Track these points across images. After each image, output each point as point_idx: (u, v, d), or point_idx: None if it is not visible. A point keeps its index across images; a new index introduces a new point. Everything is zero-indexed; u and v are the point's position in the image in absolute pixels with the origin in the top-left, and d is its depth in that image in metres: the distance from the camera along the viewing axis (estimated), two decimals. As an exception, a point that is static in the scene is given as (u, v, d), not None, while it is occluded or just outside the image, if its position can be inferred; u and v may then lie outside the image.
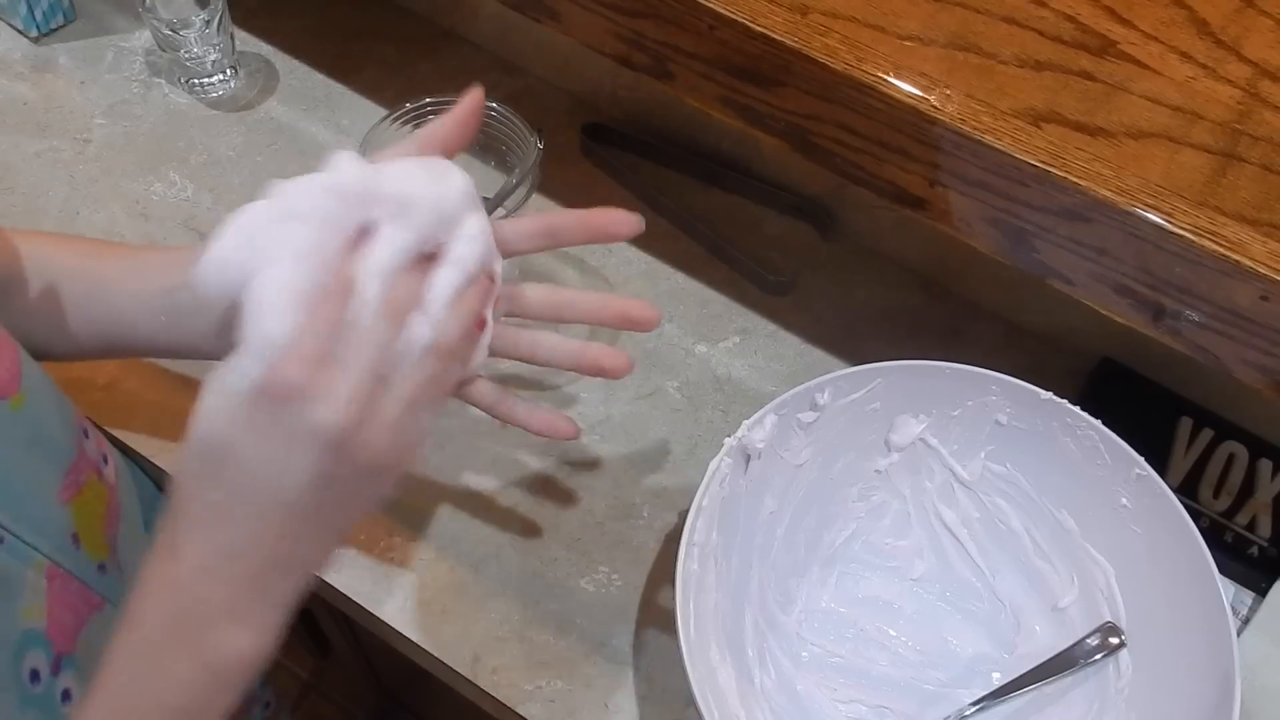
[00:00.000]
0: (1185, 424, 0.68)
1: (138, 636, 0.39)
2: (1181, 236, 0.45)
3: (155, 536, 0.39)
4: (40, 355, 0.51)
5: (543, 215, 0.51)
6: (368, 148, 0.63)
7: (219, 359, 0.39)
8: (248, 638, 0.39)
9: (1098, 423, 0.57)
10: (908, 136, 0.50)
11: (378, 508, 0.43)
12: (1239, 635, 0.59)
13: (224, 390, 0.38)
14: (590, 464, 0.66)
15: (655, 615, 0.61)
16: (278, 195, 0.41)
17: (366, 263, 0.40)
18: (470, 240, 0.44)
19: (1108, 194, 0.46)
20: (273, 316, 0.37)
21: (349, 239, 0.41)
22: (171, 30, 0.76)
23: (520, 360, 0.52)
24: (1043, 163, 0.47)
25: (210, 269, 0.39)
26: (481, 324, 0.46)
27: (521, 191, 0.63)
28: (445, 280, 0.42)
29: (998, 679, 0.60)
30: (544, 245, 0.51)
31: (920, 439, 0.62)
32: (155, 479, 0.66)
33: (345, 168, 0.43)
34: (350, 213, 0.41)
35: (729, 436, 0.56)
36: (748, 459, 0.58)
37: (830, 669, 0.61)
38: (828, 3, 0.51)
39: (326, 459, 0.38)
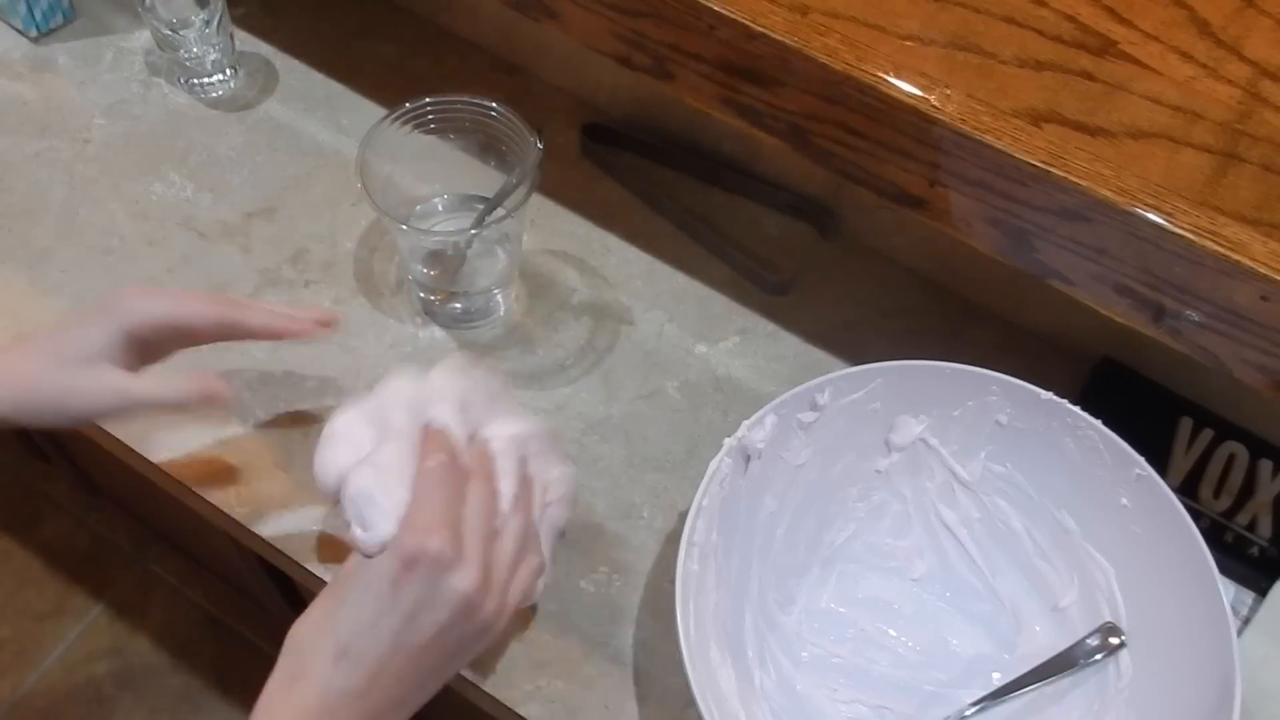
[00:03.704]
0: (1185, 424, 0.68)
1: None
2: (1181, 236, 0.45)
3: (285, 653, 0.46)
4: None
5: (231, 309, 0.56)
6: (368, 147, 0.63)
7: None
8: None
9: (1098, 423, 0.57)
10: (908, 136, 0.50)
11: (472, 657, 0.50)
12: (1239, 635, 0.59)
13: (361, 548, 0.46)
14: (590, 464, 0.66)
15: (655, 615, 0.61)
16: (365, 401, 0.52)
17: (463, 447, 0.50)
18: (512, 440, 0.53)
19: (1108, 194, 0.46)
20: (398, 487, 0.47)
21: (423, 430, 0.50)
22: (171, 30, 0.76)
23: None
24: (1043, 163, 0.47)
25: (318, 463, 0.50)
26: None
27: (521, 191, 0.63)
28: (503, 465, 0.51)
29: (998, 679, 0.60)
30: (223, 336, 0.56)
31: (920, 439, 0.62)
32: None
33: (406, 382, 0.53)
34: (419, 409, 0.51)
35: (729, 436, 0.56)
36: (748, 459, 0.58)
37: (830, 669, 0.61)
38: (828, 3, 0.51)
39: (455, 617, 0.46)
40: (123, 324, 0.52)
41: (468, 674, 0.59)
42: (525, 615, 0.61)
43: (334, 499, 0.50)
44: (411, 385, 0.51)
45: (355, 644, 0.45)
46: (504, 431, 0.51)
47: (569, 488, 0.55)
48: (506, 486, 0.50)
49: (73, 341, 0.51)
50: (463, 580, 0.45)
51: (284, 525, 0.62)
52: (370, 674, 0.44)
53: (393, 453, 0.48)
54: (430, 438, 0.49)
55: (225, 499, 0.63)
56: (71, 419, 0.52)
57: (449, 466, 0.47)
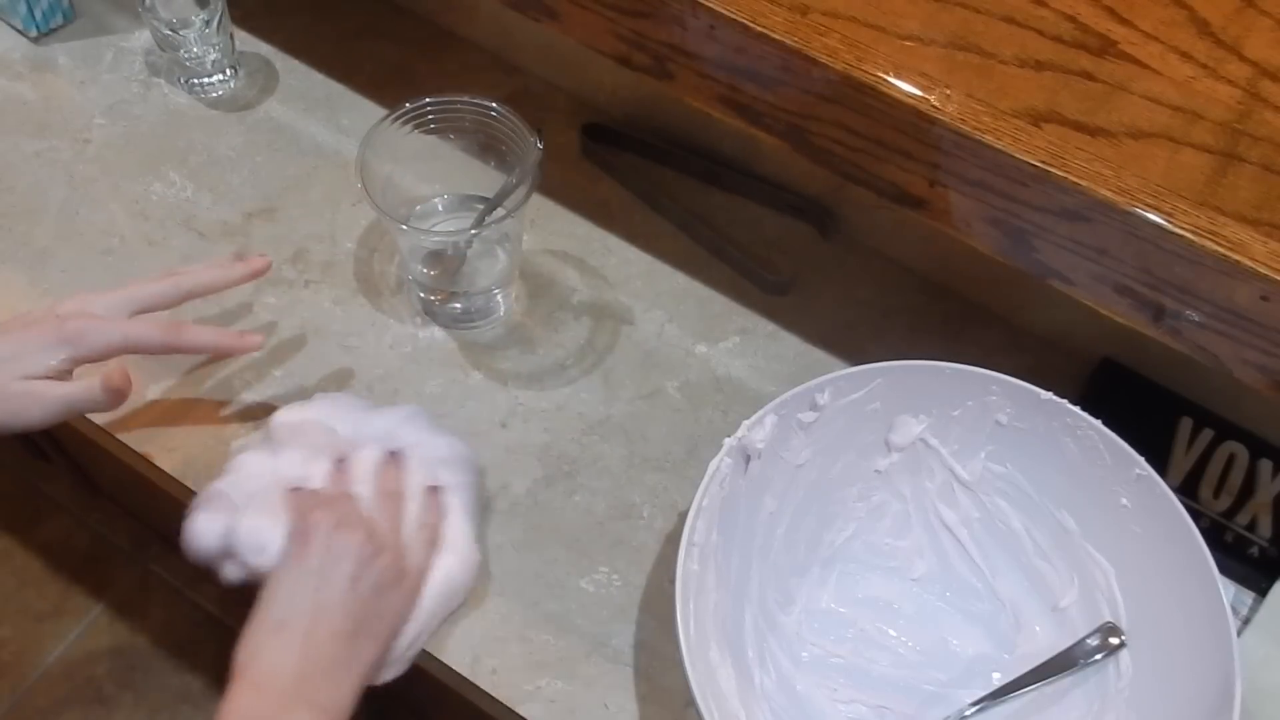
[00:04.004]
0: (1185, 424, 0.68)
1: None
2: (1181, 236, 0.45)
3: (234, 668, 0.50)
4: None
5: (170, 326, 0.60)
6: (368, 147, 0.63)
7: None
8: None
9: (1098, 423, 0.57)
10: (908, 136, 0.50)
11: (403, 622, 0.55)
12: (1239, 635, 0.59)
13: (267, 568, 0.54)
14: (590, 464, 0.66)
15: (655, 615, 0.61)
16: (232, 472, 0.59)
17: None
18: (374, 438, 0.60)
19: (1108, 194, 0.46)
20: (275, 519, 0.55)
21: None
22: (171, 30, 0.76)
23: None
24: (1043, 163, 0.46)
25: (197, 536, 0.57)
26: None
27: (521, 191, 0.63)
28: (361, 465, 0.58)
29: (998, 679, 0.60)
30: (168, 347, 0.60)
31: (920, 439, 0.62)
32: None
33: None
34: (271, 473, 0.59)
35: (729, 436, 0.56)
36: (748, 459, 0.58)
37: (830, 669, 0.61)
38: (828, 3, 0.51)
39: (358, 565, 0.53)
40: (76, 353, 0.56)
41: (467, 674, 0.59)
42: (525, 611, 0.61)
43: (217, 560, 0.56)
44: (257, 457, 0.59)
45: (284, 614, 0.51)
46: (360, 427, 0.59)
47: (458, 457, 0.60)
48: (365, 489, 0.57)
49: (27, 364, 0.55)
50: (351, 534, 0.53)
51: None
52: (304, 634, 0.50)
53: (259, 501, 0.56)
54: (290, 493, 0.57)
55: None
56: (19, 430, 0.56)
57: (309, 490, 0.57)
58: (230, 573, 0.56)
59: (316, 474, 0.58)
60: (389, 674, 0.56)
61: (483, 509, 0.63)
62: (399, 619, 0.55)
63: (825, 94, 0.51)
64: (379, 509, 0.56)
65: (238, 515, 0.56)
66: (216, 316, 0.70)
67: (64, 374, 0.57)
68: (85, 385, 0.57)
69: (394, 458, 0.59)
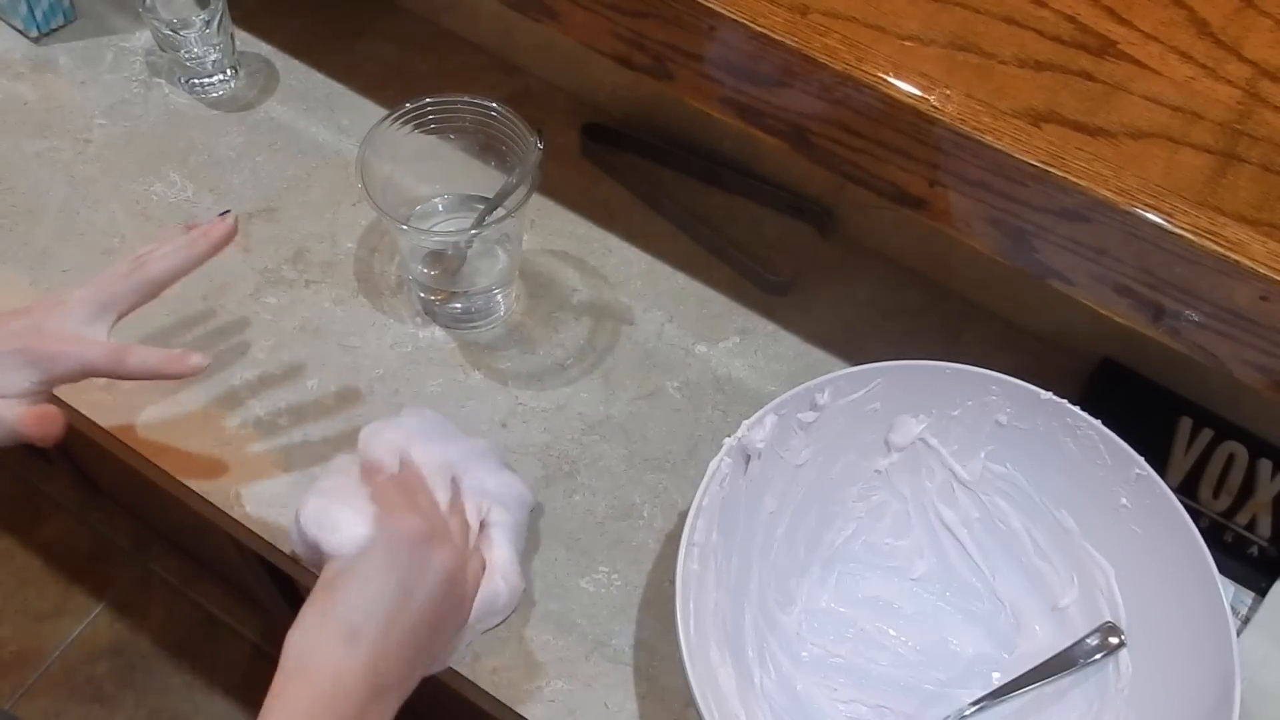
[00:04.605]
0: (1185, 424, 0.68)
1: None
2: (1181, 236, 0.45)
3: (285, 662, 0.48)
4: None
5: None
6: (368, 147, 0.63)
7: None
8: None
9: (1098, 423, 0.57)
10: (908, 136, 0.50)
11: (452, 648, 0.56)
12: (1239, 635, 0.59)
13: (337, 550, 0.51)
14: (590, 464, 0.66)
15: (655, 615, 0.61)
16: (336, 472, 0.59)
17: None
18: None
19: (1108, 194, 0.46)
20: (349, 503, 0.53)
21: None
22: (171, 30, 0.76)
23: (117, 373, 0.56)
24: (1043, 163, 0.47)
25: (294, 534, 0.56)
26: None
27: (521, 191, 0.63)
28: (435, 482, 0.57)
29: (998, 679, 0.60)
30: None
31: (920, 439, 0.62)
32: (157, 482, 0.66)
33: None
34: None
35: (729, 436, 0.56)
36: (748, 459, 0.58)
37: (830, 669, 0.61)
38: (828, 3, 0.51)
39: (441, 588, 0.51)
40: (39, 376, 0.53)
41: (467, 674, 0.59)
42: (525, 611, 0.61)
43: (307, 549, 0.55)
44: (344, 459, 0.59)
45: (361, 623, 0.48)
46: (430, 454, 0.58)
47: (512, 495, 0.60)
48: (440, 496, 0.56)
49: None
50: (444, 553, 0.51)
51: (283, 524, 0.62)
52: (375, 650, 0.48)
53: (334, 482, 0.55)
54: (366, 467, 0.56)
55: (225, 498, 0.63)
56: None
57: (394, 479, 0.54)
58: (309, 557, 0.55)
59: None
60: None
61: (530, 547, 0.63)
62: (451, 644, 0.55)
63: (825, 94, 0.51)
64: (456, 526, 0.55)
65: (307, 493, 0.56)
66: (218, 318, 0.70)
67: (35, 394, 0.54)
68: (16, 415, 0.54)
69: (453, 483, 0.58)
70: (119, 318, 0.56)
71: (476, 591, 0.55)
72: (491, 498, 0.59)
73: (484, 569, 0.56)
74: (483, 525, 0.58)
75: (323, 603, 0.49)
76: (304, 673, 0.47)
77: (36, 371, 0.53)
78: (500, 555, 0.57)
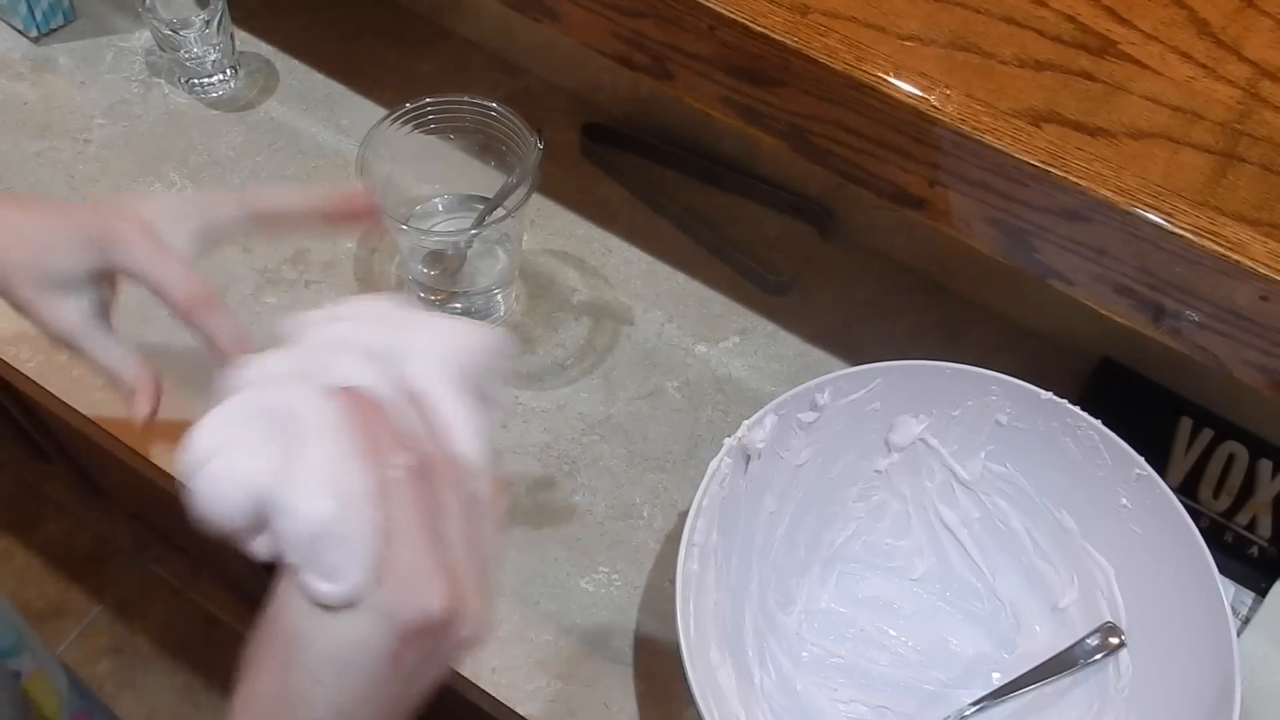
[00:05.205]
0: (1185, 424, 0.68)
1: None
2: (1181, 236, 0.45)
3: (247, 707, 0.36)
4: None
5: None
6: (368, 147, 0.63)
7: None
8: None
9: (1098, 423, 0.57)
10: (908, 136, 0.50)
11: None
12: (1239, 635, 0.59)
13: (318, 602, 0.33)
14: (590, 464, 0.66)
15: (655, 615, 0.61)
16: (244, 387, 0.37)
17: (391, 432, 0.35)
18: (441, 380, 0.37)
19: (1108, 194, 0.46)
20: (358, 516, 0.33)
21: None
22: (171, 30, 0.76)
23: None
24: (1043, 163, 0.46)
25: (207, 491, 0.34)
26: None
27: (521, 191, 0.63)
28: (458, 421, 0.37)
29: (998, 679, 0.60)
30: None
31: (920, 439, 0.62)
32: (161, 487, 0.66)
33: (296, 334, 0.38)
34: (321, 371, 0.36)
35: (729, 436, 0.56)
36: (748, 459, 0.58)
37: (830, 669, 0.61)
38: (828, 3, 0.51)
39: (448, 663, 0.36)
40: (105, 263, 0.48)
41: (467, 673, 0.59)
42: (525, 611, 0.61)
43: (246, 532, 0.35)
44: (284, 354, 0.37)
45: (353, 708, 0.35)
46: (438, 376, 0.37)
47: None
48: (472, 450, 0.37)
49: (56, 268, 0.48)
50: (469, 628, 0.35)
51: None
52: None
53: (325, 456, 0.34)
54: (365, 419, 0.35)
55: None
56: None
57: (415, 475, 0.34)
58: (263, 549, 0.35)
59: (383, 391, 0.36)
60: None
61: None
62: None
63: (825, 94, 0.51)
64: (488, 529, 0.37)
65: (280, 475, 0.34)
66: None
67: (85, 282, 0.48)
68: (118, 357, 0.49)
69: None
70: (210, 243, 0.49)
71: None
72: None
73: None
74: None
75: (291, 677, 0.34)
76: None
77: (96, 251, 0.47)
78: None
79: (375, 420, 0.35)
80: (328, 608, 0.33)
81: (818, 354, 0.72)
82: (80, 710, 0.69)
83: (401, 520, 0.33)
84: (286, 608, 0.34)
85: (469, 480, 0.36)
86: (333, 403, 0.34)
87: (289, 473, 0.33)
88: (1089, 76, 0.49)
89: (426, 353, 0.37)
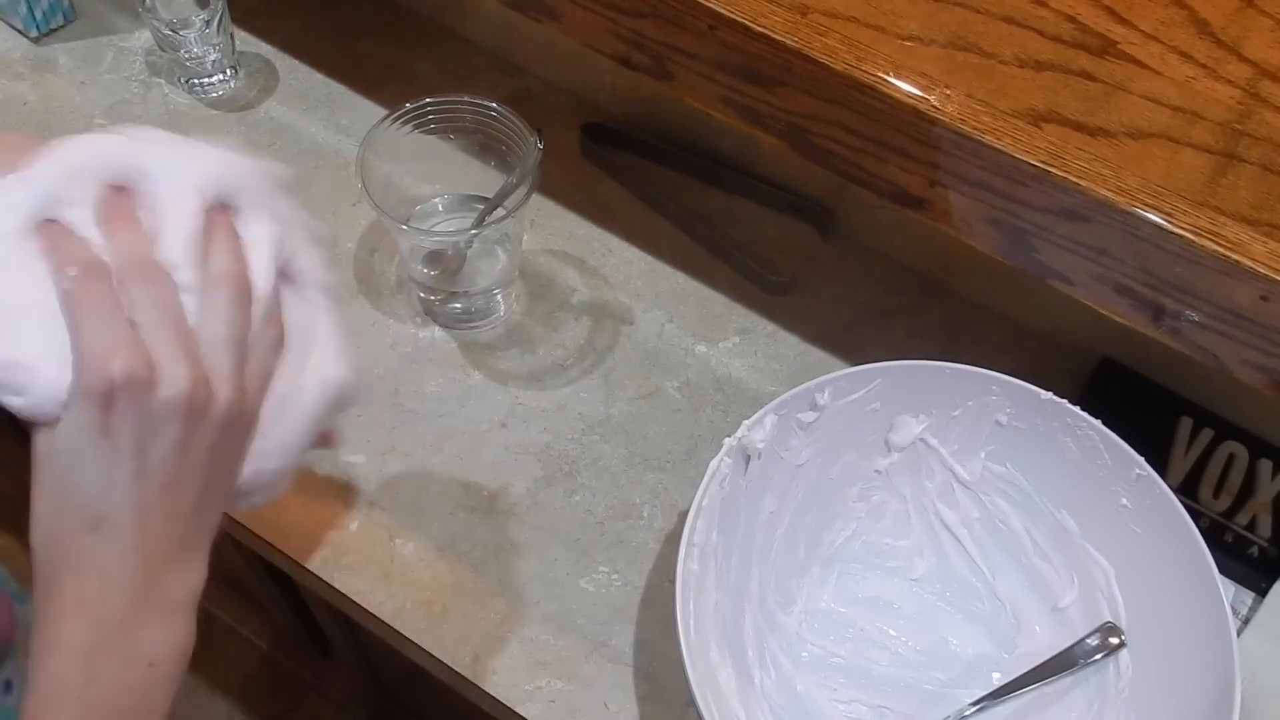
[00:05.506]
0: (1185, 424, 0.68)
1: (62, 659, 0.38)
2: (1181, 236, 0.45)
3: (37, 563, 0.40)
4: None
5: None
6: (368, 147, 0.63)
7: None
8: (177, 625, 0.40)
9: (1098, 423, 0.57)
10: (908, 136, 0.50)
11: (246, 455, 0.42)
12: (1239, 635, 0.59)
13: (36, 417, 0.37)
14: (590, 464, 0.66)
15: (655, 615, 0.61)
16: None
17: (85, 231, 0.37)
18: (170, 175, 0.39)
19: (1108, 194, 0.46)
20: (35, 334, 0.36)
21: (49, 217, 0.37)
22: (171, 30, 0.76)
23: None
24: (1043, 163, 0.46)
25: None
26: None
27: (521, 191, 0.63)
28: (167, 219, 0.38)
29: (998, 679, 0.60)
30: None
31: (920, 439, 0.62)
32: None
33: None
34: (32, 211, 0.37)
35: (729, 436, 0.56)
36: (748, 459, 0.58)
37: (830, 669, 0.61)
38: (828, 3, 0.51)
39: (188, 425, 0.37)
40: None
41: (467, 674, 0.59)
42: (524, 611, 0.61)
43: None
44: (17, 186, 0.37)
45: (99, 509, 0.38)
46: (169, 180, 0.39)
47: (312, 231, 0.44)
48: (174, 242, 0.38)
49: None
50: (170, 387, 0.36)
51: (283, 525, 0.62)
52: (133, 529, 0.38)
53: (7, 289, 0.36)
54: (49, 242, 0.37)
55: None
56: None
57: (89, 273, 0.36)
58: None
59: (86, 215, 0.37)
60: (252, 502, 0.43)
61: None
62: (243, 455, 0.41)
63: (825, 94, 0.51)
64: (213, 307, 0.38)
65: None
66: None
67: None
68: None
69: (222, 215, 0.40)
70: None
71: (270, 372, 0.41)
72: (288, 233, 0.42)
73: (282, 342, 0.42)
74: (284, 277, 0.42)
75: (49, 486, 0.39)
76: (58, 584, 0.39)
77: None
78: (324, 325, 0.44)
79: (61, 243, 0.37)
80: (45, 421, 0.37)
81: (818, 354, 0.72)
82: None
83: (77, 316, 0.36)
84: (35, 437, 0.38)
85: (175, 274, 0.38)
86: (33, 239, 0.37)
87: None
88: (1089, 76, 0.49)
89: (159, 171, 0.39)
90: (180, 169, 0.39)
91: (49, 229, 0.37)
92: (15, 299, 0.36)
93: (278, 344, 0.41)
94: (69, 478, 0.38)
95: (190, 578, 0.40)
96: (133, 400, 0.36)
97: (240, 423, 0.40)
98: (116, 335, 0.36)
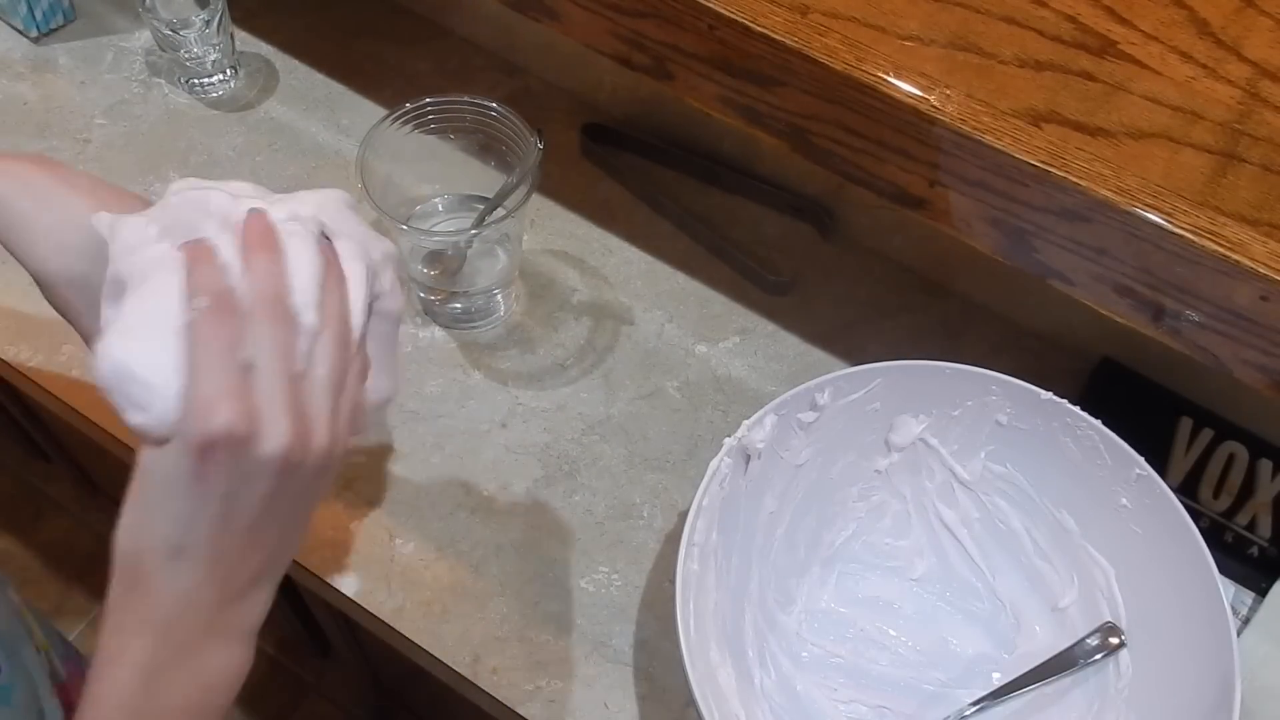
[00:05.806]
0: (1185, 424, 0.68)
1: (125, 672, 0.39)
2: (1181, 236, 0.45)
3: (116, 568, 0.40)
4: None
5: None
6: (368, 147, 0.63)
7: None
8: (237, 651, 0.41)
9: (1098, 423, 0.57)
10: (908, 136, 0.50)
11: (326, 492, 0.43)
12: (1239, 635, 0.59)
13: (137, 433, 0.37)
14: (590, 464, 0.66)
15: (655, 615, 0.61)
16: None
17: (222, 269, 0.38)
18: (299, 218, 0.40)
19: (1108, 194, 0.46)
20: (162, 348, 0.37)
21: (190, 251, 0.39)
22: (171, 30, 0.76)
23: None
24: (1043, 163, 0.46)
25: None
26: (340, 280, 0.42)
27: (521, 191, 0.63)
28: (299, 258, 0.39)
29: (998, 679, 0.60)
30: None
31: (920, 439, 0.62)
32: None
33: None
34: (178, 228, 0.39)
35: (729, 436, 0.56)
36: (748, 459, 0.58)
37: (830, 669, 0.61)
38: (828, 3, 0.51)
39: (278, 481, 0.39)
40: None
41: (467, 674, 0.59)
42: (524, 611, 0.61)
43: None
44: (152, 217, 0.40)
45: (182, 540, 0.39)
46: (285, 211, 0.40)
47: (381, 254, 0.44)
48: (306, 283, 0.39)
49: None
50: (271, 444, 0.38)
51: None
52: (210, 563, 0.39)
53: (145, 303, 0.38)
54: (191, 260, 0.38)
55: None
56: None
57: (219, 307, 0.38)
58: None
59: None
60: None
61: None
62: (327, 490, 0.44)
63: (825, 94, 0.51)
64: (321, 349, 0.39)
65: (105, 324, 0.38)
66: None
67: None
68: None
69: (331, 251, 0.41)
70: None
71: (351, 426, 0.42)
72: (376, 264, 0.42)
73: (364, 378, 0.43)
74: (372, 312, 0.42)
75: (141, 503, 0.39)
76: (135, 588, 0.39)
77: None
78: (390, 344, 0.44)
79: (198, 266, 0.38)
80: (153, 441, 0.37)
81: (818, 354, 0.72)
82: (70, 660, 0.69)
83: (195, 354, 0.37)
84: (141, 452, 0.38)
85: (300, 316, 0.39)
86: (173, 255, 0.38)
87: (110, 323, 0.38)
88: (1089, 76, 0.49)
89: (284, 208, 0.40)
90: (297, 202, 0.40)
91: (193, 247, 0.38)
92: (158, 309, 0.37)
93: (364, 375, 0.42)
94: (158, 505, 0.39)
95: (258, 608, 0.42)
96: (230, 454, 0.37)
97: (330, 465, 0.41)
98: (226, 385, 0.37)
